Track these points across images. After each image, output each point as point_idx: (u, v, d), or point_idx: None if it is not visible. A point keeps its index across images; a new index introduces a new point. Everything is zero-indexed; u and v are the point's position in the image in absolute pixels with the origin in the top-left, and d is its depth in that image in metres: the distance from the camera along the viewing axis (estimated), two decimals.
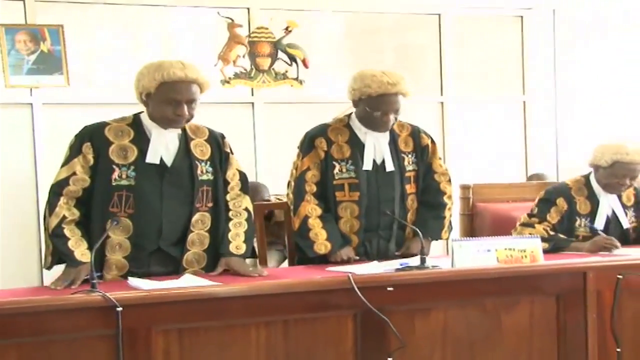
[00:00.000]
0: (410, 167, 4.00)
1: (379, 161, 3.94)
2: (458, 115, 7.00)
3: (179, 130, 3.51)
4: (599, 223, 4.16)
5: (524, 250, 3.38)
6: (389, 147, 3.96)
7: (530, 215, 4.29)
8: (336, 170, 3.91)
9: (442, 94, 7.01)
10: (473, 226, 5.03)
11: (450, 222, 4.12)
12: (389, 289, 3.02)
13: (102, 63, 6.11)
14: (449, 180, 4.13)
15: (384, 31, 6.88)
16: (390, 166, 3.94)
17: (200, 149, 3.55)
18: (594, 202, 4.22)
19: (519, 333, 3.20)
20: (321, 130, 3.98)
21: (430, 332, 3.11)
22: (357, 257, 3.83)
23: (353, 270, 3.22)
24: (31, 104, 5.85)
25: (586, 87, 7.14)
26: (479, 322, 3.17)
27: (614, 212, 4.22)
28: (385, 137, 3.96)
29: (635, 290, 3.29)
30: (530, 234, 4.07)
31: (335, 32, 6.79)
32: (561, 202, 4.22)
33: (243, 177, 3.69)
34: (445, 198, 4.07)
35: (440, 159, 4.17)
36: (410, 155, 4.01)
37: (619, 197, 4.26)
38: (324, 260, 3.78)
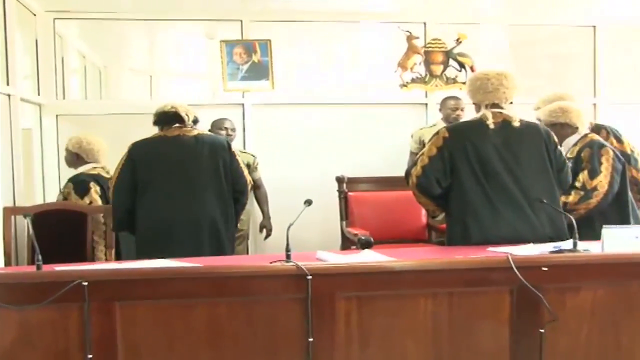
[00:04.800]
0: None
1: None
2: (611, 115, 6.58)
3: None
4: None
5: None
6: None
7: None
8: None
9: (595, 96, 6.64)
10: None
11: None
12: (543, 268, 2.86)
13: (300, 70, 6.19)
14: None
15: (541, 41, 6.66)
16: None
17: None
18: None
19: None
20: None
21: (580, 309, 2.93)
22: None
23: (510, 251, 3.07)
24: (243, 104, 5.99)
25: None
26: (625, 303, 2.94)
27: None
28: None
29: None
30: None
31: (499, 42, 6.69)
32: None
33: None
34: None
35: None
36: None
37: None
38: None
